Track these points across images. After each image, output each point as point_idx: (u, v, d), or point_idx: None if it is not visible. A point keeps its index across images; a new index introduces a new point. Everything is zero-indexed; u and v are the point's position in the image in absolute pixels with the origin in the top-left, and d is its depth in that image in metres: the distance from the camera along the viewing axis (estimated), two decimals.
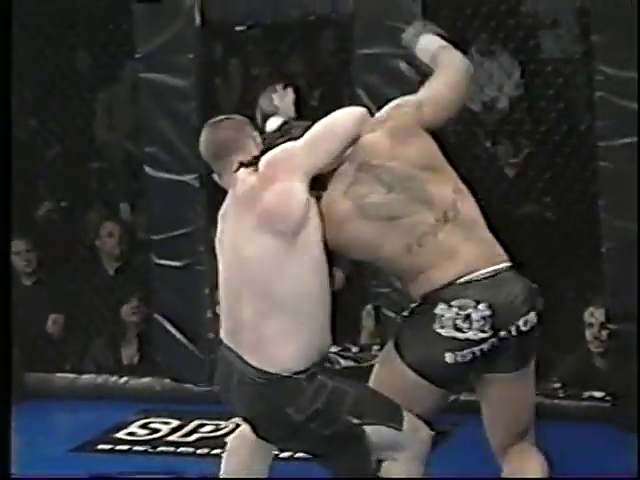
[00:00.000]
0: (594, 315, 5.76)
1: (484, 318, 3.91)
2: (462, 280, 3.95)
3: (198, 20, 6.07)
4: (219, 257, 4.03)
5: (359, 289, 6.14)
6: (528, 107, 6.56)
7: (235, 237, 3.99)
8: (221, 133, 4.12)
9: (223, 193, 6.29)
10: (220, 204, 6.24)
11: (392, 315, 5.85)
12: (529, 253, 6.16)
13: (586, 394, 5.81)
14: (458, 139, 6.59)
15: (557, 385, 5.90)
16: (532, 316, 4.07)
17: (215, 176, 4.25)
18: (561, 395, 5.86)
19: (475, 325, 3.92)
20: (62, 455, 5.71)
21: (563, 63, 6.60)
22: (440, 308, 3.92)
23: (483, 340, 3.93)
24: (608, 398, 5.70)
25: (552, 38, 6.62)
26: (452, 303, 3.92)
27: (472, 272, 3.98)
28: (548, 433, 5.51)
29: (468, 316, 3.93)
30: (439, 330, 3.92)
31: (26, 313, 6.65)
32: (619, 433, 5.53)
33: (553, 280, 6.16)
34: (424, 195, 4.03)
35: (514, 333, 3.97)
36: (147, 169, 6.20)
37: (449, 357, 3.93)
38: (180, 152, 6.14)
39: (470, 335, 3.91)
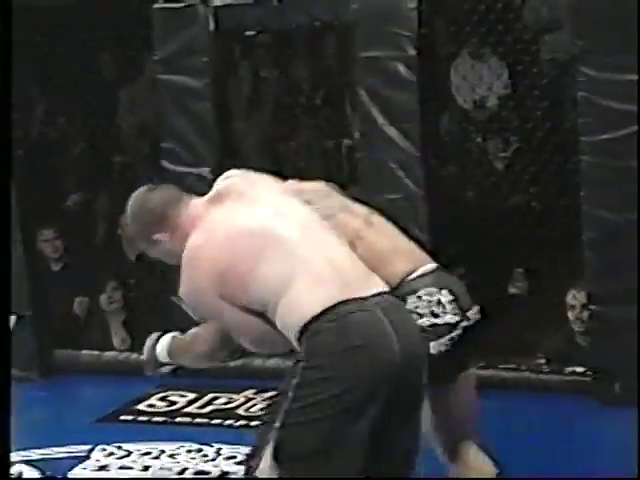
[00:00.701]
0: (576, 297, 5.78)
1: (451, 302, 3.87)
2: (415, 274, 3.88)
3: (212, 26, 6.08)
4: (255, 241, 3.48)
5: None
6: (516, 106, 6.57)
7: (274, 208, 3.58)
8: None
9: None
10: None
11: None
12: (517, 240, 6.24)
13: (569, 369, 5.84)
14: (451, 136, 6.63)
15: (542, 361, 5.94)
16: (477, 310, 3.99)
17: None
18: (546, 370, 5.90)
19: (448, 308, 3.87)
20: (88, 426, 5.73)
21: (549, 65, 6.61)
22: (411, 302, 3.83)
23: (457, 323, 3.86)
24: (589, 373, 5.72)
25: (540, 42, 6.64)
26: (419, 294, 3.85)
27: (419, 267, 3.91)
28: (534, 405, 5.62)
29: (439, 301, 3.88)
30: (418, 323, 3.76)
31: (54, 295, 6.72)
32: (598, 405, 5.57)
33: (538, 265, 6.23)
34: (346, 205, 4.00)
35: (472, 320, 3.92)
36: (164, 163, 6.22)
37: (433, 347, 3.81)
38: (195, 147, 6.16)
39: (448, 319, 3.85)
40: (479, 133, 6.73)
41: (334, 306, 3.27)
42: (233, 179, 3.69)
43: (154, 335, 3.85)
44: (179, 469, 5.16)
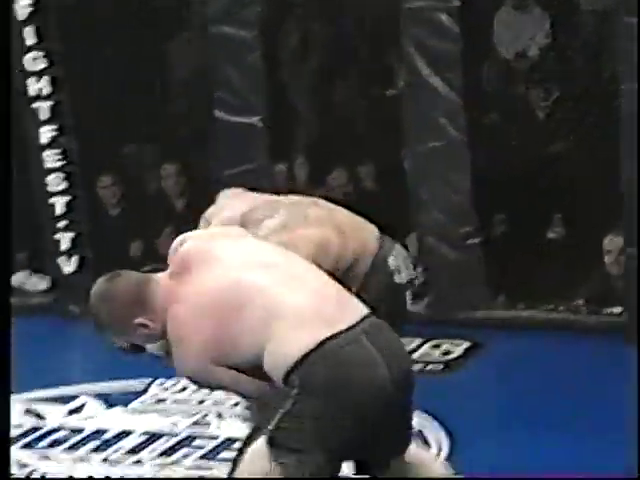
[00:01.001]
0: (613, 242, 5.77)
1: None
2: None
3: None
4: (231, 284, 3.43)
5: (403, 219, 6.15)
6: (557, 55, 6.53)
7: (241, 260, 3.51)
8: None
9: (283, 133, 6.41)
10: (280, 143, 6.36)
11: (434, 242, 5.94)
12: (556, 187, 6.21)
13: (606, 310, 5.85)
14: (493, 85, 6.59)
15: (581, 303, 5.94)
16: None
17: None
18: (584, 311, 5.91)
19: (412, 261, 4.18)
20: (146, 361, 5.71)
21: (589, 16, 6.56)
22: (391, 261, 4.07)
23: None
24: (624, 313, 5.70)
25: None
26: (393, 253, 4.09)
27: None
28: (575, 346, 5.59)
29: (407, 256, 4.15)
30: (398, 281, 4.07)
31: (111, 239, 6.80)
32: (632, 344, 5.47)
33: (576, 211, 6.20)
34: None
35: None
36: (216, 112, 6.21)
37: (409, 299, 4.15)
38: (245, 97, 6.16)
39: (416, 270, 4.25)
40: (521, 82, 6.66)
41: (323, 343, 3.23)
42: (190, 244, 3.56)
43: None
44: (232, 402, 5.15)
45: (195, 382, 3.59)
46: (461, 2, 5.82)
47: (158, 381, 5.42)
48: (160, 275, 3.49)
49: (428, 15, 5.85)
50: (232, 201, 4.44)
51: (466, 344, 5.59)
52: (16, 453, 4.83)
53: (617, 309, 5.83)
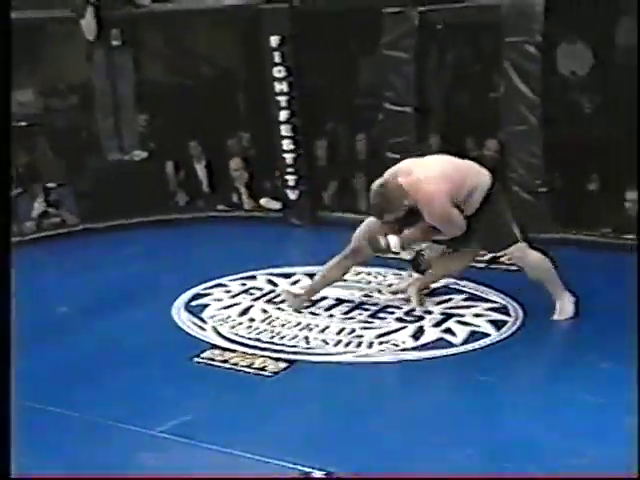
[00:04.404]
0: (632, 194, 5.50)
1: None
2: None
3: (417, 22, 5.87)
4: None
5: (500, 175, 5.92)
6: (598, 74, 6.17)
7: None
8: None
9: (425, 119, 6.23)
10: (423, 125, 6.21)
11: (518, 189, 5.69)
12: (595, 157, 5.91)
13: (628, 236, 5.52)
14: (557, 93, 6.26)
15: (609, 230, 5.66)
16: None
17: None
18: (611, 237, 5.62)
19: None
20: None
21: (621, 48, 6.17)
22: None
23: None
24: (637, 239, 5.38)
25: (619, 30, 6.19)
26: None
27: None
28: (602, 259, 5.35)
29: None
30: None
31: (318, 179, 6.65)
32: None
33: (609, 173, 5.89)
34: None
35: None
36: (385, 104, 6.09)
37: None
38: (403, 95, 6.00)
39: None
40: (575, 91, 6.30)
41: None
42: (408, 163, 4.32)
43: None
44: (387, 283, 5.06)
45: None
46: (542, 38, 5.51)
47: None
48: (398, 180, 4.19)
49: (520, 46, 5.57)
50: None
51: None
52: (261, 304, 4.84)
53: (630, 236, 5.49)
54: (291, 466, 3.16)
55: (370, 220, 4.51)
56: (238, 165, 6.89)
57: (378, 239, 4.44)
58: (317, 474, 3.11)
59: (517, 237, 4.37)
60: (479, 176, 4.36)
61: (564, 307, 4.41)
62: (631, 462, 3.01)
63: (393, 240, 4.34)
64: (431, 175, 4.22)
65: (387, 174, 4.36)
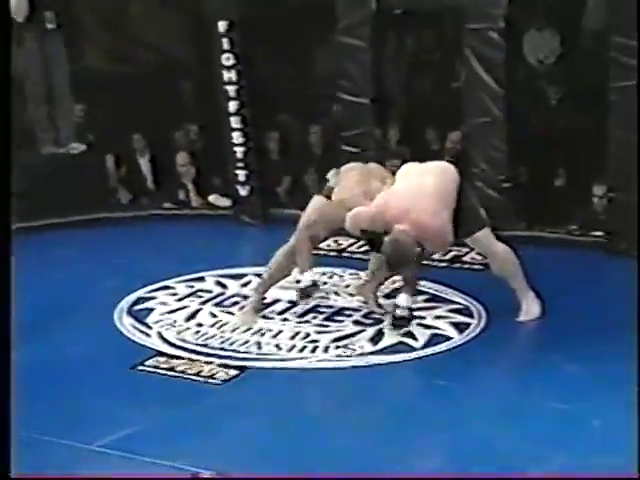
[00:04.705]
0: (599, 189, 5.60)
1: None
2: None
3: (374, 7, 5.91)
4: None
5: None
6: (566, 62, 6.29)
7: None
8: None
9: (382, 109, 6.30)
10: (382, 118, 6.27)
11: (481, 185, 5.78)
12: (562, 150, 6.02)
13: (592, 233, 5.66)
14: (523, 82, 6.36)
15: (575, 227, 5.76)
16: None
17: None
18: (576, 233, 5.73)
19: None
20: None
21: (590, 33, 6.29)
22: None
23: None
24: (605, 236, 5.56)
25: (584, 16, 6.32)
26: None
27: None
28: (569, 257, 5.47)
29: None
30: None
31: (271, 175, 6.64)
32: (611, 256, 5.41)
33: (575, 167, 6.01)
34: None
35: None
36: (339, 94, 6.10)
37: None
38: (359, 84, 6.01)
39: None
40: (541, 80, 6.41)
41: None
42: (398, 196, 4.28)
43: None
44: (344, 284, 5.12)
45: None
46: (505, 24, 5.57)
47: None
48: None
49: (483, 33, 5.64)
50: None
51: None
52: (210, 308, 4.86)
53: (598, 233, 5.63)
54: None
55: (321, 212, 4.55)
56: (185, 160, 6.85)
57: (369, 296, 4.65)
58: (205, 474, 3.15)
59: (485, 221, 4.44)
60: (455, 175, 4.40)
61: (529, 307, 4.48)
62: (631, 463, 3.09)
63: (404, 300, 4.41)
64: (432, 209, 4.17)
65: (374, 209, 4.25)
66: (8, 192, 2.87)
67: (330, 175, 4.68)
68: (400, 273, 4.46)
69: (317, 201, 4.62)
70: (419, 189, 4.24)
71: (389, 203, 4.23)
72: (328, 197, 4.57)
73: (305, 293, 4.64)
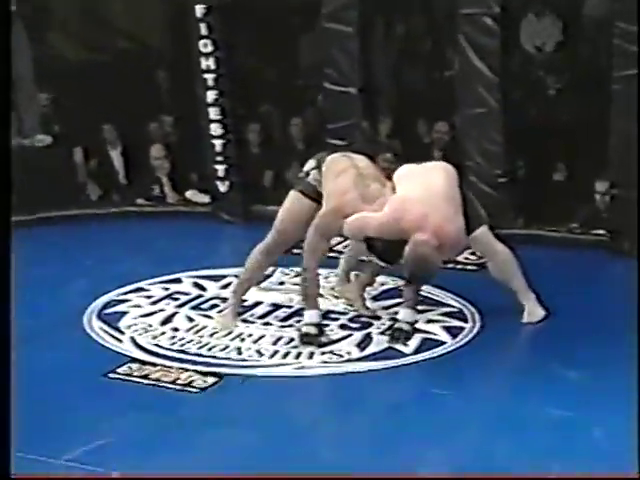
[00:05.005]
0: (601, 185, 5.64)
1: None
2: None
3: None
4: None
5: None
6: (566, 50, 6.33)
7: None
8: None
9: (373, 100, 6.32)
10: (370, 108, 6.29)
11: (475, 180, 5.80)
12: (562, 143, 6.06)
13: (594, 232, 5.72)
14: (519, 71, 6.40)
15: (576, 226, 5.81)
16: None
17: None
18: (578, 232, 5.78)
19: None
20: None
21: (591, 20, 6.34)
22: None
23: None
24: (607, 235, 5.61)
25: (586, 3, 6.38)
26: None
27: None
28: (569, 257, 5.51)
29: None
30: None
31: (252, 169, 6.72)
32: (612, 256, 5.46)
33: (576, 162, 6.05)
34: None
35: None
36: (325, 84, 6.10)
37: None
38: (346, 73, 6.03)
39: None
40: (539, 69, 6.45)
41: None
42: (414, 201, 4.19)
43: None
44: (329, 286, 5.08)
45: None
46: (500, 10, 5.61)
47: (280, 269, 5.30)
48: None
49: (477, 18, 5.67)
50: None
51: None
52: (187, 311, 4.87)
53: (600, 231, 5.68)
54: None
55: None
56: (159, 153, 6.84)
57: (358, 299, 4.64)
58: (115, 474, 3.16)
59: (483, 219, 4.46)
60: (456, 174, 4.42)
61: (533, 309, 4.51)
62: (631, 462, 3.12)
63: (407, 315, 4.42)
64: (448, 213, 4.12)
65: (389, 216, 4.09)
66: (8, 192, 2.92)
67: (308, 167, 4.56)
68: (416, 284, 4.38)
69: (294, 200, 4.51)
70: (430, 192, 4.15)
71: (406, 209, 4.07)
72: (304, 194, 4.47)
73: (306, 341, 4.37)
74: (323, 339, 4.34)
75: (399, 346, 4.33)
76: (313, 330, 4.35)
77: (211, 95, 6.39)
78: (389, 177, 4.40)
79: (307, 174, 4.53)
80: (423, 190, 4.16)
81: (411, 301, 4.44)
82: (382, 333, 4.45)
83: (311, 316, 4.36)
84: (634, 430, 3.31)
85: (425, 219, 4.03)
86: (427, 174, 4.29)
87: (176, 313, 4.86)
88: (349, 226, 4.19)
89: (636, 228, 5.29)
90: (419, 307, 4.73)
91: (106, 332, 4.62)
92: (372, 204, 4.18)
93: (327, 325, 4.56)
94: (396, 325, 4.43)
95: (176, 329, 4.66)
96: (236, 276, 5.19)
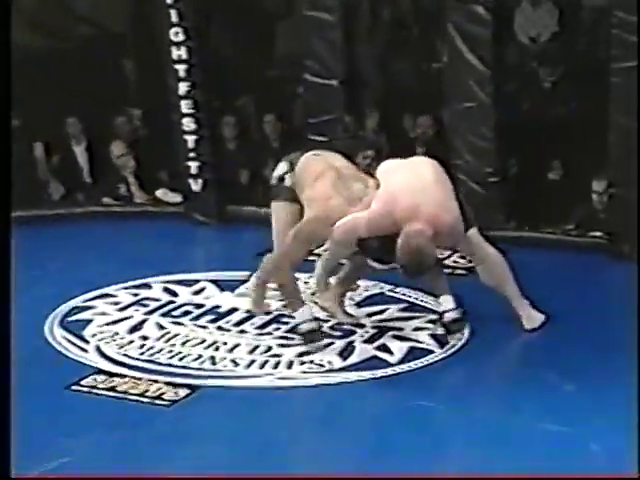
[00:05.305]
0: (599, 184, 5.67)
1: None
2: None
3: None
4: None
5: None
6: (564, 40, 6.38)
7: None
8: None
9: (357, 92, 6.34)
10: (354, 101, 6.31)
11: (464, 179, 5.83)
12: (557, 139, 6.10)
13: (592, 234, 5.75)
14: (512, 63, 6.44)
15: (572, 227, 5.85)
16: None
17: None
18: (575, 234, 5.81)
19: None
20: (248, 257, 5.29)
21: (590, 10, 6.39)
22: None
23: None
24: (605, 237, 5.64)
25: None
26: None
27: None
28: (565, 260, 5.54)
29: None
30: None
31: (227, 167, 6.72)
32: (611, 260, 5.49)
33: (572, 159, 6.09)
34: None
35: None
36: (306, 76, 6.12)
37: None
38: (328, 65, 6.04)
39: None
40: (533, 60, 6.50)
41: None
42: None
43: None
44: (309, 292, 5.09)
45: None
46: None
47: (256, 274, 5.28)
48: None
49: (467, 7, 5.70)
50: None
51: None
52: (157, 319, 4.86)
53: (598, 233, 5.71)
54: None
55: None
56: (121, 149, 6.81)
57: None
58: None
59: (472, 220, 4.48)
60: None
61: (530, 314, 4.54)
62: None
63: (449, 301, 4.42)
64: (442, 201, 4.12)
65: (382, 208, 4.08)
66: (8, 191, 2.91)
67: (280, 171, 4.53)
68: (419, 280, 4.36)
69: (279, 211, 4.47)
70: (419, 181, 4.14)
71: (396, 200, 4.06)
72: (289, 199, 4.44)
73: (310, 339, 4.38)
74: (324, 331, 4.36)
75: (384, 354, 4.34)
76: (314, 325, 4.36)
77: (183, 87, 6.39)
78: (371, 174, 4.40)
79: (281, 179, 4.53)
80: (412, 180, 4.15)
81: (440, 286, 4.44)
82: (433, 336, 4.47)
83: (303, 313, 4.35)
84: (635, 454, 3.32)
85: (417, 208, 4.02)
86: (413, 166, 4.32)
87: (145, 320, 4.85)
88: (339, 231, 4.17)
89: (636, 230, 5.33)
90: (406, 314, 4.75)
91: (69, 341, 4.61)
92: (357, 205, 4.18)
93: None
94: (445, 318, 4.41)
95: (145, 337, 4.65)
96: (211, 281, 5.21)
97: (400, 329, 4.60)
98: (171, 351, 4.48)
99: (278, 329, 4.66)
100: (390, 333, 4.54)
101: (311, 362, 4.30)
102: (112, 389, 4.09)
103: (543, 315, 4.56)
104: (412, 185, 4.12)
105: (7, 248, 2.49)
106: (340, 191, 4.25)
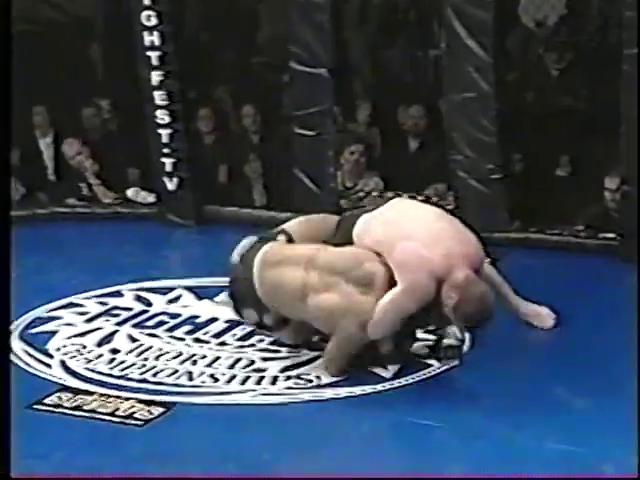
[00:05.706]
0: (612, 181, 5.69)
1: None
2: None
3: None
4: None
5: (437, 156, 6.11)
6: (572, 24, 6.42)
7: None
8: None
9: (346, 82, 6.37)
10: (344, 91, 6.33)
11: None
12: (565, 133, 6.14)
13: (603, 235, 5.78)
14: (517, 49, 6.48)
15: (581, 228, 5.88)
16: None
17: None
18: (584, 236, 5.85)
19: None
20: (229, 261, 5.35)
21: None
22: None
23: None
24: (618, 238, 5.68)
25: None
26: None
27: None
28: (574, 264, 5.56)
29: None
30: None
31: (204, 163, 6.74)
32: (623, 263, 5.51)
33: (582, 154, 6.13)
34: None
35: None
36: (292, 64, 6.14)
37: None
38: (315, 52, 6.06)
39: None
40: (539, 46, 6.54)
41: None
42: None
43: None
44: None
45: None
46: None
47: None
48: None
49: None
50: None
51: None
52: (129, 330, 4.86)
53: (610, 235, 5.75)
54: None
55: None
56: (77, 149, 6.78)
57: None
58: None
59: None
60: None
61: (537, 312, 4.61)
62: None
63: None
64: (460, 237, 4.12)
65: (417, 270, 3.97)
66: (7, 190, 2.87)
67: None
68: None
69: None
70: (428, 226, 4.09)
71: (424, 259, 3.95)
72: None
73: (447, 354, 4.40)
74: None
75: (377, 369, 4.35)
76: (453, 342, 4.34)
77: (156, 76, 6.40)
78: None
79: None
80: (420, 227, 4.09)
81: None
82: (425, 357, 4.44)
83: (453, 331, 4.32)
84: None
85: (451, 256, 3.97)
86: (404, 212, 4.23)
87: (115, 332, 4.86)
88: (376, 326, 4.06)
89: None
90: None
91: (31, 355, 4.61)
92: (373, 291, 4.05)
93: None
94: (445, 342, 4.40)
95: (115, 351, 4.65)
96: (187, 288, 5.21)
97: None
98: (144, 366, 4.48)
99: (261, 341, 4.68)
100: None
101: (297, 377, 4.32)
102: (78, 408, 4.09)
103: (551, 312, 4.60)
104: (425, 233, 4.05)
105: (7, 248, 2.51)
106: (349, 296, 4.11)
